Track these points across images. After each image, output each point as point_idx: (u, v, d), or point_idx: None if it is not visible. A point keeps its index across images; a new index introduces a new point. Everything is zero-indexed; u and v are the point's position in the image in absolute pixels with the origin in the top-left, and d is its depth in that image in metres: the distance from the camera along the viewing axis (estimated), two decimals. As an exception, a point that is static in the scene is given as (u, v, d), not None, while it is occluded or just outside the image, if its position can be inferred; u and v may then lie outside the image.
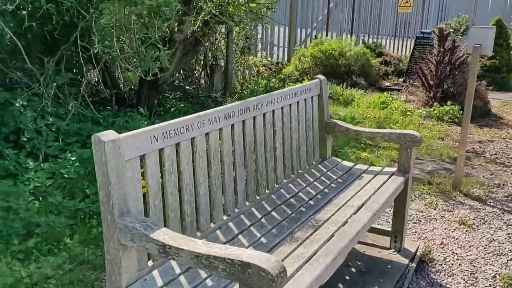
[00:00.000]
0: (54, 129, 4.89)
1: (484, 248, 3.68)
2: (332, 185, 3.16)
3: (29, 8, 4.77)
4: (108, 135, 1.84)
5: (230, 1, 6.27)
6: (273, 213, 2.71)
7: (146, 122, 5.59)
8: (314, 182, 3.17)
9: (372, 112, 7.47)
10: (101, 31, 4.80)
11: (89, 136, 4.76)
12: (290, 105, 3.11)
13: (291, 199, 2.90)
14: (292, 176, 3.19)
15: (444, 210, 4.33)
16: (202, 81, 8.36)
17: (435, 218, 4.16)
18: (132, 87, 6.60)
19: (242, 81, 8.68)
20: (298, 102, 3.21)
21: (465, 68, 7.50)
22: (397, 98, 8.73)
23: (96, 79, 6.29)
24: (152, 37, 4.84)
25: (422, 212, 4.28)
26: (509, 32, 10.03)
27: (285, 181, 3.10)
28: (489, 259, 3.53)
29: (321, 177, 3.27)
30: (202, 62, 8.26)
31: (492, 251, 3.64)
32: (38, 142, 4.63)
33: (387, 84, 9.89)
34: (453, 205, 4.42)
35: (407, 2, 12.24)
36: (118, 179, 1.85)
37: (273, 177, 2.98)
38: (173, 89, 6.92)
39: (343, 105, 8.11)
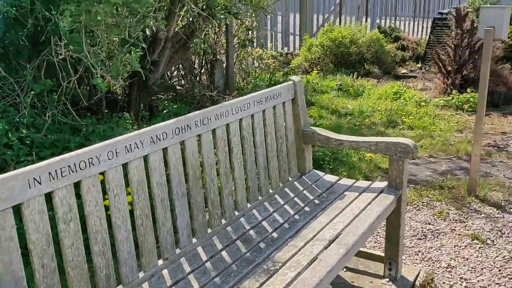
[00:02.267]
0: (28, 142, 4.52)
1: (499, 271, 3.11)
2: (306, 208, 2.64)
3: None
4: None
5: (219, -9, 5.77)
6: (223, 252, 2.22)
7: (135, 127, 5.19)
8: (285, 206, 2.67)
9: (383, 104, 6.87)
10: (68, 34, 4.39)
11: (65, 148, 4.39)
12: (252, 115, 2.61)
13: (251, 231, 2.40)
14: (260, 198, 2.70)
15: (456, 221, 3.76)
16: (205, 77, 7.91)
17: (444, 232, 3.60)
18: (123, 88, 6.22)
19: (244, 76, 8.17)
20: (263, 111, 2.70)
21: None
22: (413, 86, 8.08)
23: (79, 85, 5.90)
24: (126, 37, 4.40)
25: (429, 224, 3.72)
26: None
27: (249, 206, 2.61)
28: (504, 284, 2.97)
29: (295, 198, 2.76)
30: (202, 58, 7.80)
31: (509, 274, 3.07)
32: (7, 158, 4.27)
33: (404, 71, 9.21)
34: (467, 214, 3.84)
35: (426, -20, 11.45)
36: (-31, 244, 1.40)
37: (232, 204, 2.49)
38: (165, 89, 6.47)
39: (353, 96, 7.52)
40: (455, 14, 7.04)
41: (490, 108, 6.67)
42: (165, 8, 5.76)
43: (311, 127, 3.02)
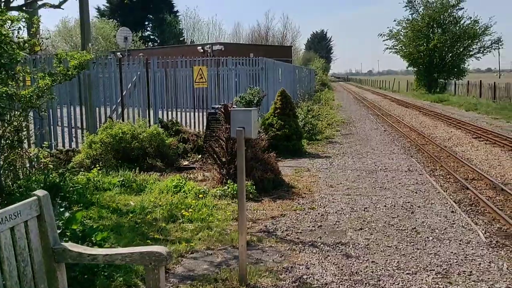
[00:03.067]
0: None
1: None
2: None
3: None
4: None
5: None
6: None
7: None
8: None
9: (164, 198, 6.94)
10: None
11: None
12: (-18, 242, 2.34)
13: None
14: (-1, 335, 2.37)
15: (228, 315, 3.84)
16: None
17: (216, 330, 3.63)
18: None
19: (15, 179, 7.51)
20: (-2, 235, 2.45)
21: (253, 142, 7.47)
22: (194, 177, 8.39)
23: None
24: None
25: (203, 324, 3.72)
26: (293, 102, 10.59)
27: None
28: None
29: (42, 328, 2.50)
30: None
31: None
32: None
33: (186, 163, 9.55)
34: (238, 307, 3.97)
35: (202, 77, 12.37)
36: None
37: None
38: None
39: (136, 192, 7.46)
40: (223, 110, 7.65)
41: (262, 194, 7.26)
42: None
43: (62, 243, 2.83)
